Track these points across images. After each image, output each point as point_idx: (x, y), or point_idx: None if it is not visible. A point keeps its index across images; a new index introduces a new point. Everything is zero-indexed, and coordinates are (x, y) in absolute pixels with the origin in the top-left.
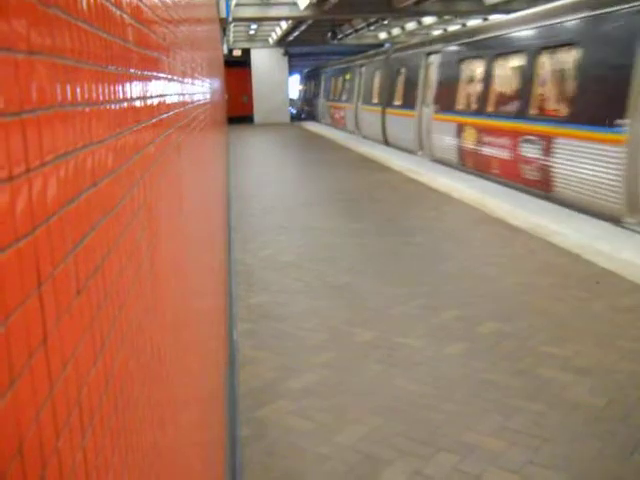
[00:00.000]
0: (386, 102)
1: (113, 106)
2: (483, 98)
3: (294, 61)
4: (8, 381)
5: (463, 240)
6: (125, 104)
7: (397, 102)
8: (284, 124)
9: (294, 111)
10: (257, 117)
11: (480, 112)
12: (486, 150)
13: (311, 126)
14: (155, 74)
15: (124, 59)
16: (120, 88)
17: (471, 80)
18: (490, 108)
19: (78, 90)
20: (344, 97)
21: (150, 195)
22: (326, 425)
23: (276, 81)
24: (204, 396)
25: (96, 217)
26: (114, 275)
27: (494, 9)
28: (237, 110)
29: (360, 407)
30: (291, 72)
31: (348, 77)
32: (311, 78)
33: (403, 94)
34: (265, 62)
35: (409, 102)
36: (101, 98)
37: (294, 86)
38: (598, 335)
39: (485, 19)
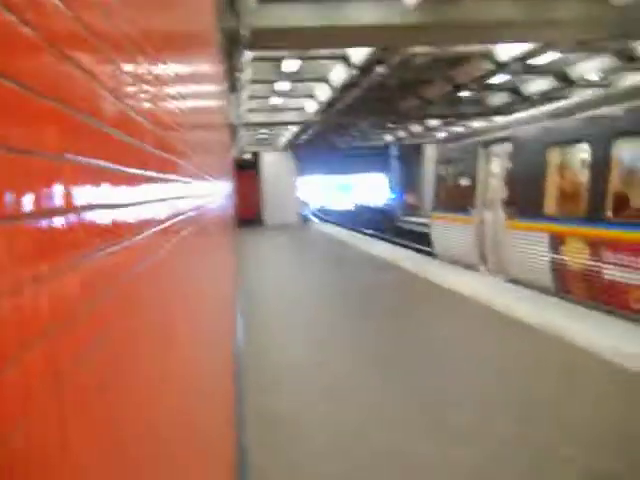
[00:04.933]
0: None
1: (132, 208)
2: None
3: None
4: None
5: (476, 342)
6: (145, 206)
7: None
8: (293, 226)
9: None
10: (267, 219)
11: None
12: None
13: (319, 226)
14: (169, 177)
15: (142, 163)
16: (138, 191)
17: None
18: None
19: (99, 192)
20: None
21: (164, 297)
22: None
23: (285, 183)
24: None
25: (114, 317)
26: (132, 378)
27: (497, 111)
28: (247, 212)
29: None
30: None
31: None
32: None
33: None
34: (274, 165)
35: None
36: (120, 201)
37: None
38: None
39: (489, 120)
